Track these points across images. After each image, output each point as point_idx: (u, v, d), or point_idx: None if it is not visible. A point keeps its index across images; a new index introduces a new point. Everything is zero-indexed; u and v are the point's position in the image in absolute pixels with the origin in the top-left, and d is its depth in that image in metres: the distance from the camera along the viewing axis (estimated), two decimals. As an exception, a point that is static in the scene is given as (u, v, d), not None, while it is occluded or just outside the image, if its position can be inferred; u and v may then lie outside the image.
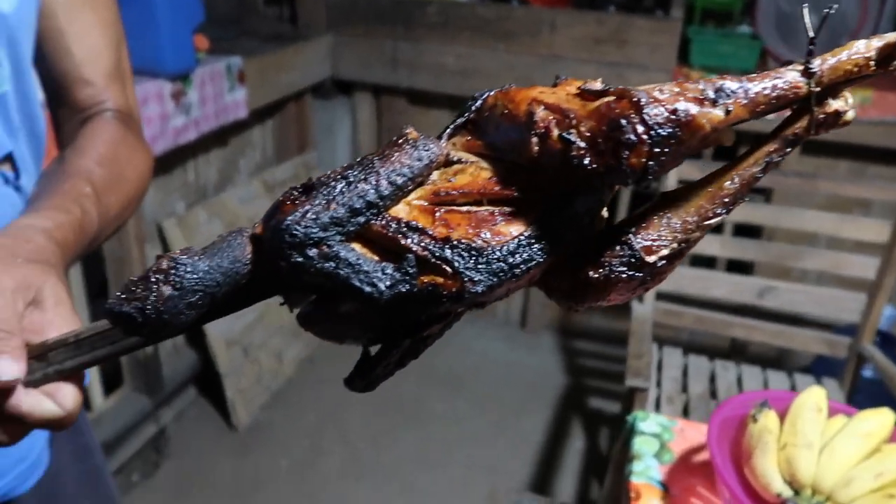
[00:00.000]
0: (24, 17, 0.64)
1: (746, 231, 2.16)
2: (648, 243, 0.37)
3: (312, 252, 0.35)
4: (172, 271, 0.37)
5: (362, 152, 2.86)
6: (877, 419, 0.92)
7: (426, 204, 0.38)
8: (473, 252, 0.35)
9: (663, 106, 0.32)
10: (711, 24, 2.59)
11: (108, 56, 0.72)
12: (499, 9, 2.46)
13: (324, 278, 0.35)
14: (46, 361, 0.43)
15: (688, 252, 0.38)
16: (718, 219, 0.38)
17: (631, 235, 0.37)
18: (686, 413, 1.74)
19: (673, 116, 0.32)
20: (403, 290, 0.34)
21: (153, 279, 0.37)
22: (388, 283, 0.35)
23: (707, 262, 2.08)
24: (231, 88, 2.02)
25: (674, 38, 2.31)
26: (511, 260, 0.35)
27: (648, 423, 1.14)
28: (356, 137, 2.84)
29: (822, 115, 0.36)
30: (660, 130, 0.32)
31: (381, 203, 0.36)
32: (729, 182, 0.38)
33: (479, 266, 0.34)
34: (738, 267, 2.33)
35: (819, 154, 2.35)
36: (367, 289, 0.35)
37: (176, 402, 2.31)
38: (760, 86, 0.35)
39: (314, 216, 0.35)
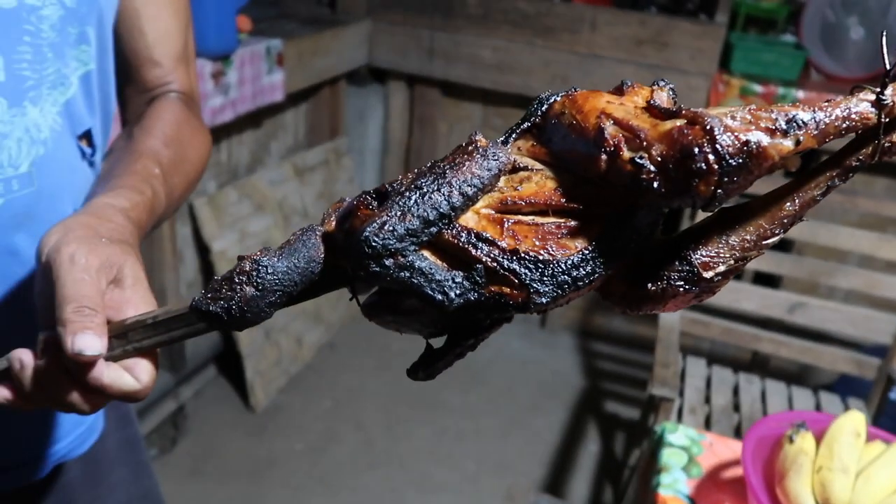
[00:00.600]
0: None
1: (777, 245, 2.13)
2: (706, 259, 0.38)
3: (389, 262, 0.36)
4: (254, 273, 0.39)
5: (392, 141, 2.86)
6: (917, 449, 0.90)
7: (494, 213, 0.39)
8: (540, 265, 0.36)
9: (735, 135, 0.32)
10: (754, 30, 2.55)
11: (177, 38, 0.73)
12: (539, 4, 2.43)
13: (398, 285, 0.37)
14: (125, 339, 0.45)
15: (743, 269, 0.39)
16: (776, 238, 0.39)
17: (690, 252, 0.38)
18: (708, 425, 1.73)
19: (745, 147, 0.32)
20: (472, 298, 0.36)
21: (237, 280, 0.39)
22: (457, 291, 0.36)
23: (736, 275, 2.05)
24: (269, 71, 2.02)
25: (716, 43, 2.28)
26: (575, 273, 0.36)
27: (677, 435, 1.13)
28: (387, 125, 2.84)
29: (888, 144, 0.36)
30: (731, 161, 0.32)
31: (452, 214, 0.37)
32: (789, 204, 0.39)
33: (545, 278, 0.36)
34: (765, 280, 2.30)
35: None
36: (439, 297, 0.36)
37: (196, 379, 2.33)
38: (832, 116, 0.34)
39: (391, 228, 0.36)
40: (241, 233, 2.28)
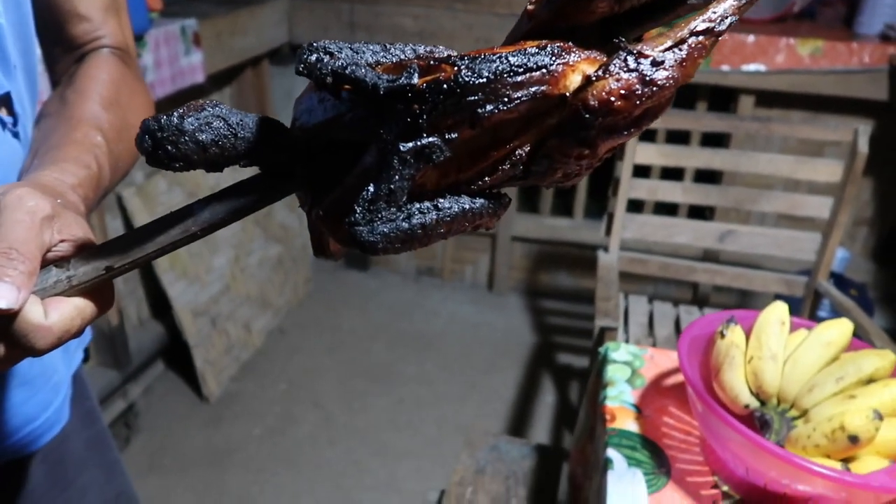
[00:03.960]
0: None
1: (706, 177, 2.21)
2: (643, 46, 0.37)
3: (325, 56, 0.36)
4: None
5: (323, 120, 2.83)
6: (836, 329, 0.96)
7: None
8: (471, 56, 0.36)
9: None
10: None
11: None
12: (455, -32, 2.44)
13: (335, 75, 0.36)
14: (65, 267, 0.42)
15: (692, 60, 0.38)
16: (711, 24, 0.38)
17: (626, 46, 0.38)
18: (653, 356, 1.79)
19: None
20: (403, 82, 0.35)
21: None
22: (389, 77, 0.35)
23: (669, 211, 2.12)
24: (187, 52, 1.98)
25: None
26: (511, 59, 0.36)
27: (620, 352, 1.17)
28: (316, 105, 2.81)
29: None
30: None
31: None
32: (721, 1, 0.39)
33: (477, 63, 0.36)
34: (700, 214, 2.38)
35: (773, 105, 2.41)
36: (370, 77, 0.35)
37: (144, 375, 2.28)
38: None
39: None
40: (175, 222, 2.23)
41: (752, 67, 2.31)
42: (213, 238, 2.38)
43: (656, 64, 0.37)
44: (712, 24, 0.39)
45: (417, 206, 0.38)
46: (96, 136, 0.59)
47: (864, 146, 1.70)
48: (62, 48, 0.69)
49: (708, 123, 1.85)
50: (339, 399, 2.36)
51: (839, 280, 2.32)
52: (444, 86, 0.35)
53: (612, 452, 0.96)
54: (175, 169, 0.39)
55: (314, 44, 0.37)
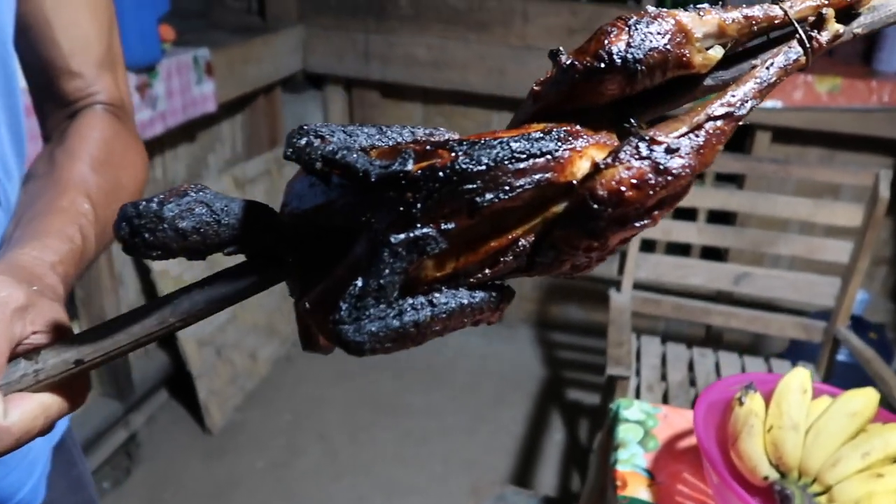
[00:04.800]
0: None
1: (721, 218, 2.17)
2: (656, 131, 0.36)
3: (316, 140, 0.35)
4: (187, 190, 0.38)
5: (334, 147, 2.82)
6: (861, 399, 0.92)
7: None
8: (470, 141, 0.34)
9: (643, 12, 0.37)
10: (682, 13, 2.59)
11: (98, 44, 0.66)
12: (470, 0, 2.43)
13: (324, 160, 0.34)
14: (34, 360, 0.39)
15: (710, 147, 0.37)
16: (730, 109, 0.37)
17: (637, 132, 0.37)
18: (666, 400, 1.74)
19: (648, 13, 0.36)
20: (396, 168, 0.33)
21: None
22: (383, 163, 0.33)
23: (683, 250, 2.08)
24: (199, 81, 1.97)
25: (646, 28, 2.31)
26: (513, 145, 0.34)
27: (632, 410, 1.13)
28: (328, 132, 2.80)
29: (812, 38, 0.38)
30: (637, 19, 0.36)
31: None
32: (741, 84, 0.38)
33: (476, 149, 0.34)
34: (713, 255, 2.34)
35: (790, 142, 2.37)
36: (361, 163, 0.33)
37: (147, 405, 2.25)
38: (735, 9, 0.38)
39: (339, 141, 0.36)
40: (183, 250, 2.21)
41: (769, 104, 2.28)
42: (219, 266, 2.35)
43: (671, 151, 0.35)
44: (732, 109, 0.37)
45: (410, 301, 0.35)
46: (83, 204, 0.57)
47: (885, 191, 1.66)
48: (54, 104, 0.67)
49: (724, 164, 1.82)
50: (345, 430, 2.33)
51: (857, 322, 2.27)
52: (440, 173, 0.33)
53: (623, 524, 0.91)
54: (152, 258, 0.37)
55: (304, 127, 0.35)
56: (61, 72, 0.65)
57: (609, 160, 0.35)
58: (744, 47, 0.41)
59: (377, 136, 0.38)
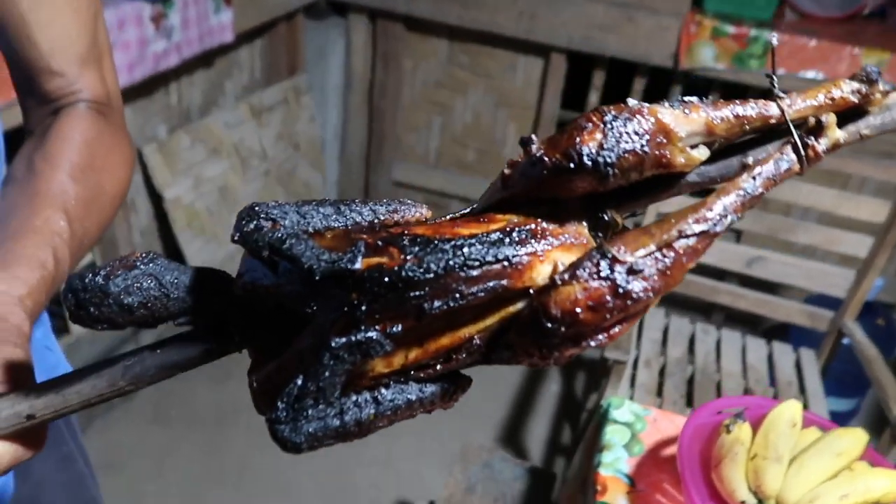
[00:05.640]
0: None
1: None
2: (621, 247, 0.33)
3: (266, 223, 0.34)
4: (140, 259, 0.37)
5: (355, 77, 2.75)
6: (849, 438, 0.92)
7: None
8: (423, 242, 0.33)
9: (619, 105, 0.34)
10: (731, -35, 2.44)
11: (81, 39, 0.63)
12: (507, -66, 2.29)
13: (272, 248, 0.33)
14: None
15: (678, 267, 0.34)
16: (705, 226, 0.34)
17: (602, 245, 0.34)
18: (662, 374, 1.76)
19: (628, 109, 0.34)
20: (344, 265, 0.31)
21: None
22: (330, 257, 0.32)
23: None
24: (216, 10, 1.90)
25: (689, -19, 2.18)
26: (464, 251, 0.33)
27: (622, 411, 1.14)
28: (349, 62, 2.72)
29: (808, 146, 0.36)
30: (614, 115, 0.33)
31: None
32: (712, 199, 0.35)
33: (427, 253, 0.32)
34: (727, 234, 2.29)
35: (826, 114, 2.27)
36: (307, 256, 0.32)
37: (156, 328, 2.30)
38: (730, 106, 0.35)
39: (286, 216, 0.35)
40: (195, 179, 2.21)
41: (810, 74, 2.17)
42: (233, 196, 2.36)
43: (634, 272, 0.33)
44: (708, 226, 0.34)
45: (354, 399, 0.34)
46: (59, 222, 0.55)
47: (915, 189, 1.60)
48: (35, 101, 0.65)
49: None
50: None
51: (867, 307, 2.24)
52: (386, 278, 0.31)
53: (598, 533, 0.94)
54: (99, 330, 0.36)
55: (255, 208, 0.34)
56: (41, 71, 0.62)
57: (566, 276, 0.33)
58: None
59: (334, 217, 0.36)
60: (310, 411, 0.33)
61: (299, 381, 0.33)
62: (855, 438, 0.92)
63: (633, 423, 1.12)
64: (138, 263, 0.36)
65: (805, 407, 1.63)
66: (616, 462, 1.05)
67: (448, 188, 2.87)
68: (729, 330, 1.97)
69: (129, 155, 0.68)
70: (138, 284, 0.36)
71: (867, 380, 1.77)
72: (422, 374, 0.35)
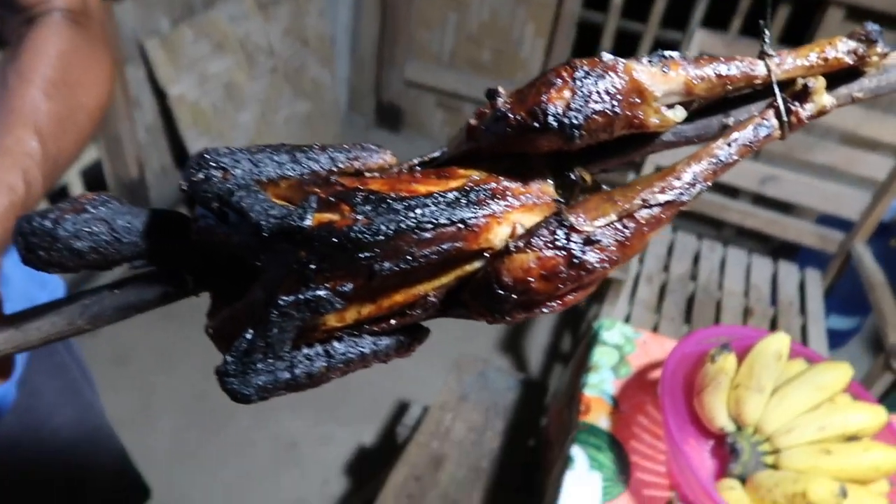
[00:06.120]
0: None
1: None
2: (581, 216, 0.32)
3: (216, 174, 0.32)
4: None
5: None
6: (834, 373, 0.92)
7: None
8: (375, 200, 0.32)
9: (594, 58, 0.32)
10: None
11: None
12: None
13: (219, 196, 0.32)
14: None
15: (639, 237, 0.32)
16: (671, 195, 0.32)
17: (561, 211, 0.33)
18: (663, 291, 1.75)
19: (601, 62, 0.32)
20: (293, 223, 0.31)
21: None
22: (279, 213, 0.31)
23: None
24: None
25: None
26: (417, 212, 0.31)
27: (612, 333, 1.15)
28: (360, -50, 2.57)
29: (790, 110, 0.33)
30: (586, 71, 0.31)
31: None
32: (683, 164, 0.33)
33: (378, 213, 0.31)
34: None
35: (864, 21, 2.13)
36: (256, 211, 0.31)
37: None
38: (712, 63, 0.33)
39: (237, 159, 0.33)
40: (200, 75, 2.15)
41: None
42: (239, 93, 2.30)
43: (590, 243, 0.31)
44: (675, 195, 0.32)
45: (305, 352, 0.34)
46: (30, 142, 0.53)
47: (945, 111, 1.52)
48: (7, 9, 0.61)
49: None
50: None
51: (882, 228, 2.19)
52: (335, 238, 0.30)
53: (576, 450, 0.97)
54: (50, 273, 0.36)
55: (206, 156, 0.32)
56: None
57: (521, 243, 0.31)
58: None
59: (289, 165, 0.34)
60: (259, 365, 0.33)
61: (248, 336, 0.32)
62: (839, 372, 0.91)
63: (623, 346, 1.13)
64: (88, 207, 0.35)
65: (803, 328, 1.64)
66: (602, 383, 1.07)
67: (461, 89, 2.79)
68: (735, 248, 1.94)
69: (109, 68, 0.65)
70: (88, 229, 0.34)
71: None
72: (376, 328, 0.34)
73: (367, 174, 0.35)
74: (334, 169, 0.35)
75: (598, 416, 1.02)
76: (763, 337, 0.96)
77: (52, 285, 0.81)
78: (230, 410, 1.92)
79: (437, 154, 0.37)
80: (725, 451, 0.93)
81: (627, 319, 1.62)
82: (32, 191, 0.52)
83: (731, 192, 1.97)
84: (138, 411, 1.89)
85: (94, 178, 2.02)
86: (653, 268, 1.82)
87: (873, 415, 0.88)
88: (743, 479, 0.89)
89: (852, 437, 0.88)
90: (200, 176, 0.32)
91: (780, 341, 0.94)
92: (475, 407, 1.43)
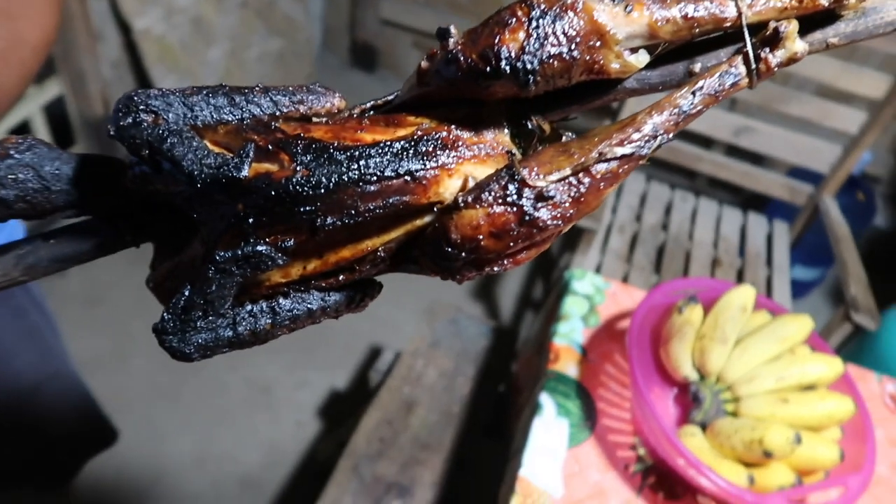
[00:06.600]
0: None
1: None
2: (534, 169, 0.31)
3: (146, 118, 0.30)
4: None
5: None
6: (795, 324, 0.94)
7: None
8: (317, 149, 0.30)
9: (555, 3, 0.30)
10: None
11: None
12: None
13: (151, 148, 0.30)
14: None
15: (594, 194, 0.31)
16: (630, 148, 0.31)
17: (513, 164, 0.31)
18: (634, 243, 1.77)
19: (559, 3, 0.29)
20: (229, 173, 0.29)
21: None
22: (215, 161, 0.29)
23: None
24: None
25: None
26: (360, 163, 0.30)
27: (583, 283, 1.16)
28: None
29: (759, 58, 0.31)
30: (542, 10, 0.29)
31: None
32: (644, 115, 0.32)
33: (319, 165, 0.30)
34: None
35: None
36: (190, 159, 0.29)
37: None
38: (676, 3, 0.31)
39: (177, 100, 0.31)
40: (166, 8, 2.06)
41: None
42: (208, 29, 2.22)
43: (543, 199, 0.30)
44: (633, 149, 0.31)
45: (248, 308, 0.33)
46: None
47: (919, 66, 1.52)
48: None
49: None
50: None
51: (851, 181, 2.23)
52: (272, 192, 0.29)
53: (545, 398, 0.99)
54: None
55: (135, 98, 0.30)
56: None
57: (470, 199, 0.30)
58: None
59: (227, 109, 0.32)
60: (198, 322, 0.32)
61: (186, 293, 0.31)
62: (799, 325, 0.94)
63: (593, 296, 1.15)
64: (12, 152, 0.32)
65: (768, 279, 1.68)
66: (571, 332, 1.08)
67: (438, 31, 2.72)
68: (707, 199, 1.96)
69: (54, 2, 0.62)
70: (13, 176, 0.32)
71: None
72: (323, 284, 0.33)
73: (315, 119, 0.33)
74: (277, 114, 0.33)
75: (567, 365, 1.04)
76: (729, 289, 0.98)
77: (10, 228, 0.79)
78: (202, 353, 1.93)
79: (390, 97, 0.35)
80: (688, 399, 0.96)
81: (598, 269, 1.64)
82: None
83: (705, 142, 1.97)
84: (111, 353, 1.88)
85: (56, 115, 1.95)
86: (625, 218, 1.84)
87: (830, 366, 0.91)
88: (704, 426, 0.92)
89: (809, 387, 0.91)
90: (129, 120, 0.30)
91: (745, 294, 0.96)
92: (446, 353, 1.45)
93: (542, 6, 0.29)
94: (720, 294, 0.99)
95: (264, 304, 0.33)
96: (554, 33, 0.29)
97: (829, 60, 1.64)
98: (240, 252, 0.30)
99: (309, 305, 0.34)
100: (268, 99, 0.33)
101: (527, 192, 0.30)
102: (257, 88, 0.33)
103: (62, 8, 0.63)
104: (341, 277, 0.34)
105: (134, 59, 2.10)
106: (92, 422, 1.09)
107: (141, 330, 1.95)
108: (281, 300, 0.33)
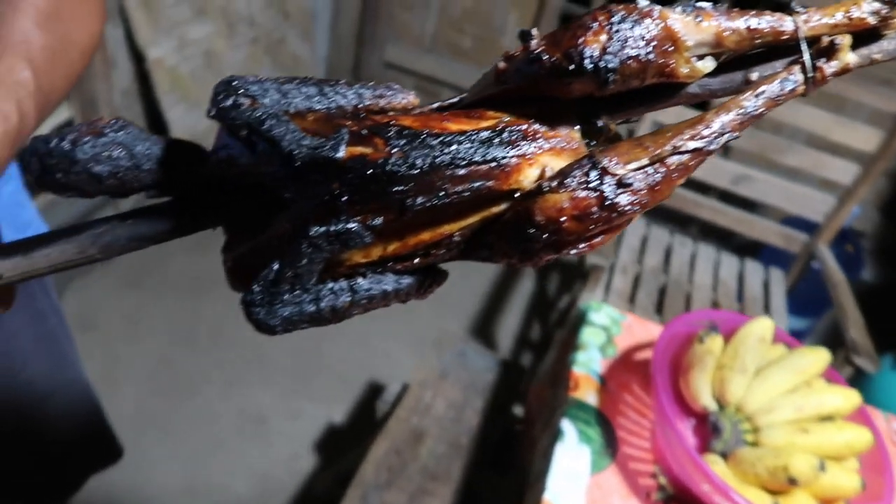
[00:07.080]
0: None
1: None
2: (613, 158, 0.33)
3: (244, 101, 0.32)
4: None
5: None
6: (812, 357, 0.97)
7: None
8: (410, 135, 0.32)
9: (632, 5, 0.33)
10: None
11: None
12: None
13: (250, 124, 0.32)
14: None
15: (668, 183, 0.33)
16: (701, 143, 0.34)
17: (594, 154, 0.34)
18: (637, 282, 1.80)
19: (637, 8, 0.32)
20: (325, 154, 0.31)
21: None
22: (312, 143, 0.31)
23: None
24: None
25: None
26: (452, 148, 0.32)
27: (600, 314, 1.18)
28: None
29: (815, 67, 0.34)
30: (622, 16, 0.32)
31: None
32: (712, 115, 0.34)
33: (413, 148, 0.32)
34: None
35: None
36: (287, 139, 0.31)
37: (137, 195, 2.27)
38: (744, 16, 0.34)
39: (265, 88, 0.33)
40: (179, 40, 2.10)
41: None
42: (219, 62, 2.26)
43: (622, 185, 0.32)
44: (704, 143, 0.34)
45: (330, 286, 0.34)
46: (23, 71, 0.51)
47: (910, 122, 1.60)
48: None
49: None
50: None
51: (841, 233, 2.30)
52: (369, 171, 0.31)
53: (566, 424, 1.00)
54: (66, 197, 0.35)
55: (234, 83, 0.32)
56: None
57: (554, 184, 0.32)
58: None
59: (317, 98, 0.34)
60: (286, 296, 0.33)
61: (276, 266, 0.32)
62: (816, 357, 0.96)
63: (609, 327, 1.16)
64: (107, 130, 0.34)
65: (768, 323, 1.71)
66: (590, 362, 1.10)
67: (440, 74, 2.79)
68: (705, 244, 2.01)
69: (100, 5, 0.63)
70: (108, 153, 0.34)
71: (824, 302, 1.84)
72: (399, 266, 0.35)
73: (392, 113, 0.35)
74: (360, 106, 0.35)
75: (587, 393, 1.05)
76: (748, 321, 1.00)
77: (33, 230, 0.79)
78: (196, 380, 1.90)
79: (455, 100, 0.37)
80: (707, 429, 0.97)
81: (602, 306, 1.66)
82: (26, 122, 0.50)
83: (702, 188, 2.03)
84: (102, 377, 1.84)
85: (64, 139, 1.95)
86: (627, 259, 1.87)
87: (846, 398, 0.93)
88: (724, 456, 0.93)
89: (827, 418, 0.93)
90: (229, 102, 0.31)
91: (763, 325, 0.99)
92: (454, 385, 1.45)
93: (623, 13, 0.32)
94: (738, 325, 1.01)
95: (344, 283, 0.34)
96: (633, 37, 0.32)
97: (822, 113, 1.72)
98: (332, 228, 0.31)
99: (385, 287, 0.35)
100: (353, 92, 0.35)
101: (608, 178, 0.32)
102: (343, 82, 0.35)
103: (105, 14, 0.64)
104: (416, 261, 0.35)
105: (144, 88, 2.12)
106: (100, 436, 1.06)
107: (131, 356, 1.92)
108: (360, 280, 0.34)
